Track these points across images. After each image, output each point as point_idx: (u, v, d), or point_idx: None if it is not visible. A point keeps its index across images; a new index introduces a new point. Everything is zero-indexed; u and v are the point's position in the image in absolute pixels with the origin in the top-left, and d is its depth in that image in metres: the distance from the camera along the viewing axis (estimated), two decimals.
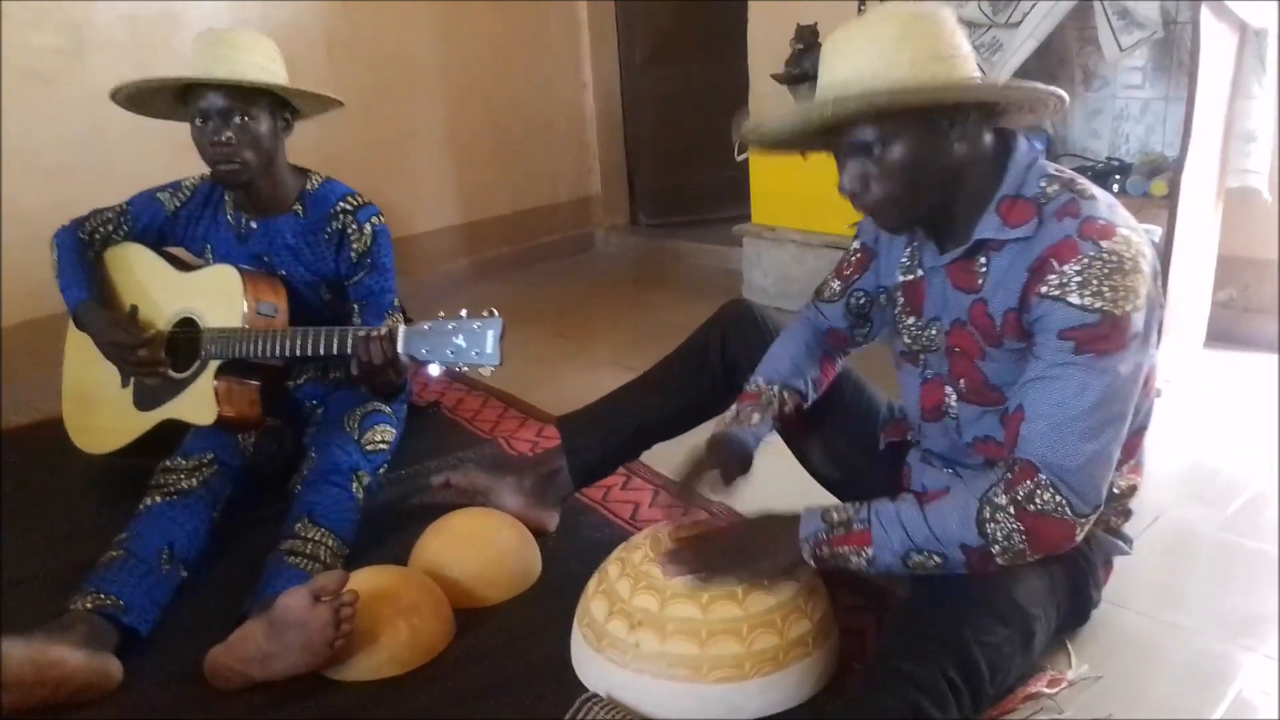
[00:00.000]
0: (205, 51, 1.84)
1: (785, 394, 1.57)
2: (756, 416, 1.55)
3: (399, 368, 1.73)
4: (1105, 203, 1.25)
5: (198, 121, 1.85)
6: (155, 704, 1.47)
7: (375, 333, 1.69)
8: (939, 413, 1.45)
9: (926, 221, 1.34)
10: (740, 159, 3.37)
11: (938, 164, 1.25)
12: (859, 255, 1.57)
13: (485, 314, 1.64)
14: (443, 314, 1.67)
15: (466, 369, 1.64)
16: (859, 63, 1.19)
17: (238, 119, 1.84)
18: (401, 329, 1.69)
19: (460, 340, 1.63)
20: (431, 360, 1.65)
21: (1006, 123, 1.31)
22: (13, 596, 1.75)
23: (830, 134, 1.26)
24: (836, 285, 1.60)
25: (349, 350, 1.75)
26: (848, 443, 1.66)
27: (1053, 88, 1.24)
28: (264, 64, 1.87)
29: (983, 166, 1.28)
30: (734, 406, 1.58)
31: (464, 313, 1.65)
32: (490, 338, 1.62)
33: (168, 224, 2.08)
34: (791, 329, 1.65)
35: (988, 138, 1.28)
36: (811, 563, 1.32)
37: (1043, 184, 1.27)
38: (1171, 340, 2.40)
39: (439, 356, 1.65)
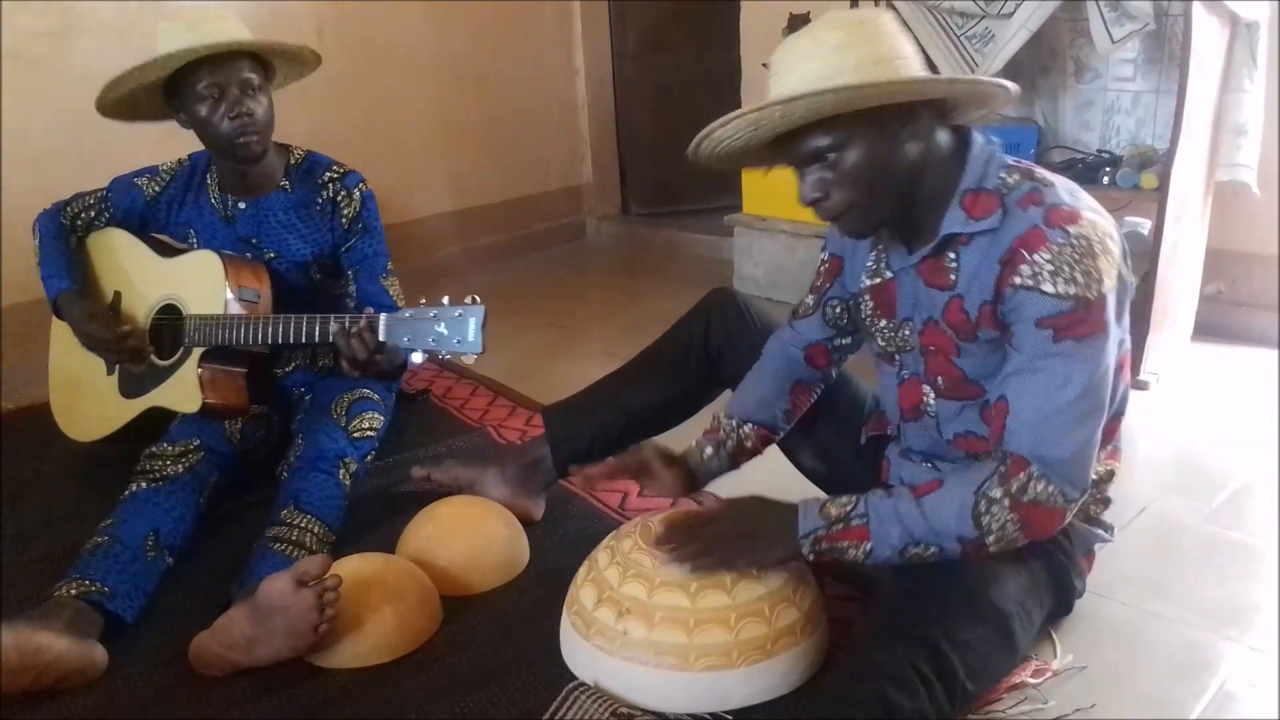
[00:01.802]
0: (194, 29, 1.81)
1: (747, 429, 1.58)
2: (710, 452, 1.58)
3: (386, 352, 1.72)
4: (1065, 189, 1.27)
5: (210, 97, 1.83)
6: (140, 690, 1.46)
7: (354, 324, 1.68)
8: (918, 412, 1.45)
9: (891, 223, 1.35)
10: None
11: (894, 165, 1.25)
12: (828, 265, 1.57)
13: (467, 301, 1.63)
14: (424, 301, 1.66)
15: (448, 356, 1.64)
16: (804, 72, 1.20)
17: (257, 90, 1.85)
18: (382, 317, 1.68)
19: (442, 328, 1.62)
20: (414, 348, 1.65)
21: (960, 118, 1.32)
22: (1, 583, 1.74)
23: (785, 146, 1.27)
24: (810, 300, 1.60)
25: (329, 339, 1.74)
26: (832, 436, 1.66)
27: (999, 80, 1.24)
28: (247, 33, 1.86)
29: (942, 164, 1.29)
30: (695, 439, 1.60)
31: (445, 299, 1.64)
32: (472, 325, 1.61)
33: (148, 210, 2.06)
34: (762, 361, 1.64)
35: (943, 135, 1.29)
36: (810, 557, 1.32)
37: (1003, 175, 1.28)
38: (1159, 333, 2.41)
39: (420, 344, 1.64)
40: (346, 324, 1.70)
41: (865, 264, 1.46)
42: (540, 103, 4.17)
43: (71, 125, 2.81)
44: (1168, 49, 2.60)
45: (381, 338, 1.67)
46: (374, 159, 3.49)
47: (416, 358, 1.65)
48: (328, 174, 2.00)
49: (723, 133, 1.27)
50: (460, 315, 1.61)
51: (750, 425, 1.58)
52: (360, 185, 2.02)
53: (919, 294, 1.37)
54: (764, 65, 3.35)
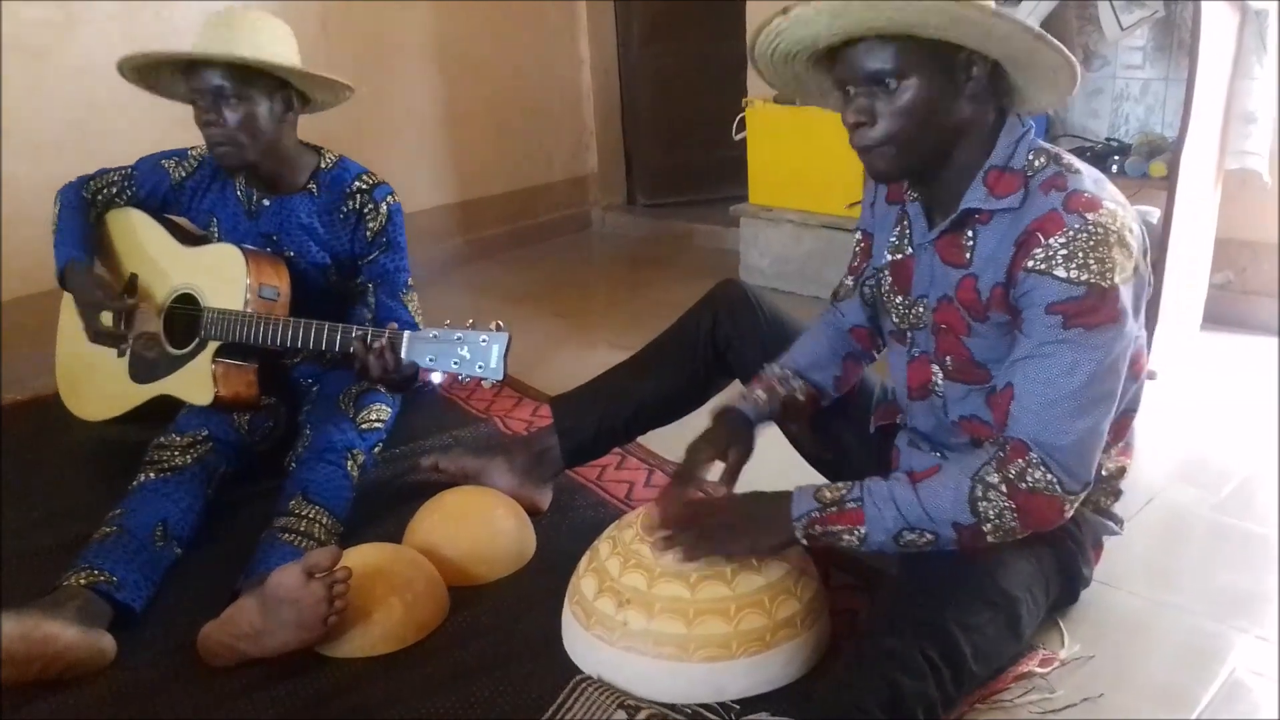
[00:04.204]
0: (208, 30, 1.82)
1: (799, 383, 1.56)
2: (763, 395, 1.55)
3: (404, 371, 1.73)
4: (1091, 177, 1.25)
5: (196, 101, 1.83)
6: (149, 680, 1.47)
7: (377, 340, 1.69)
8: (926, 391, 1.45)
9: (917, 178, 1.34)
10: (738, 138, 3.36)
11: (944, 115, 1.24)
12: (863, 244, 1.56)
13: (492, 327, 1.64)
14: (449, 322, 1.68)
15: (468, 380, 1.65)
16: None
17: (233, 100, 1.82)
18: (406, 335, 1.69)
19: (465, 352, 1.64)
20: (435, 369, 1.67)
21: (1021, 104, 1.30)
22: (7, 572, 1.74)
23: (847, 59, 1.22)
24: (850, 281, 1.60)
25: (350, 350, 1.75)
26: (839, 424, 1.65)
27: (1074, 60, 1.20)
28: (265, 44, 1.83)
29: (981, 135, 1.28)
30: (742, 390, 1.58)
31: (471, 322, 1.66)
32: (495, 352, 1.63)
33: (172, 194, 2.06)
34: (815, 327, 1.64)
35: (992, 110, 1.27)
36: (804, 541, 1.32)
37: (1030, 157, 1.27)
38: (1168, 322, 2.40)
39: (442, 365, 1.66)
40: (369, 337, 1.70)
41: (889, 239, 1.45)
42: (545, 93, 4.16)
43: (74, 116, 2.81)
44: (1177, 36, 2.58)
45: (404, 355, 1.68)
46: (378, 149, 3.50)
47: (436, 378, 1.68)
48: (356, 183, 1.98)
49: (794, 19, 1.21)
50: (485, 341, 1.63)
51: (802, 379, 1.56)
52: (389, 199, 2.00)
53: (935, 271, 1.36)
54: None
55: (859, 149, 1.28)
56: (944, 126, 1.25)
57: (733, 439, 1.51)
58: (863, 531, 1.27)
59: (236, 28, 1.82)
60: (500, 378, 1.63)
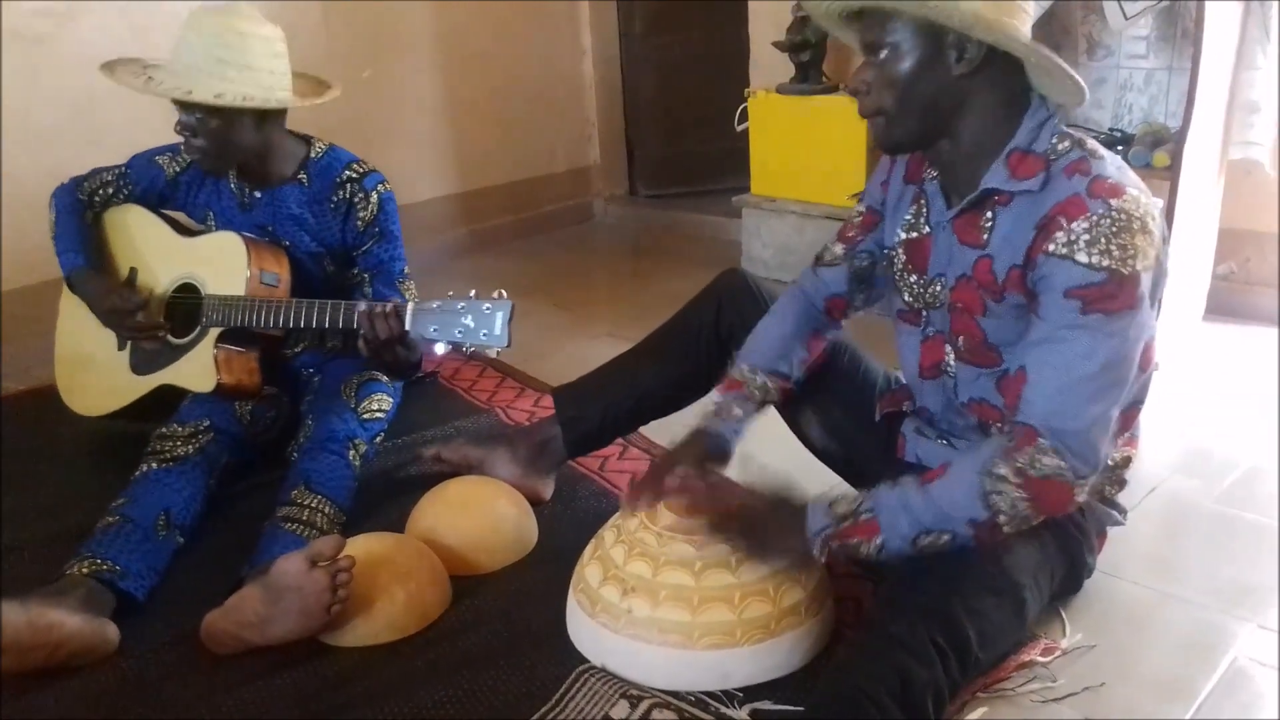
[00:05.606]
0: (188, 36, 1.79)
1: (770, 381, 1.56)
2: (738, 410, 1.55)
3: (408, 344, 1.72)
4: (1114, 163, 1.25)
5: (176, 105, 1.83)
6: (152, 668, 1.47)
7: (381, 309, 1.68)
8: (937, 371, 1.44)
9: (925, 152, 1.35)
10: (740, 129, 3.35)
11: (934, 87, 1.25)
12: (863, 218, 1.56)
13: (495, 295, 1.64)
14: (451, 293, 1.67)
15: (474, 349, 1.64)
16: None
17: (201, 114, 1.81)
18: (410, 306, 1.68)
19: (469, 321, 1.63)
20: (439, 339, 1.66)
21: (1034, 84, 1.29)
22: (10, 561, 1.75)
23: (861, 28, 1.29)
24: (839, 249, 1.59)
25: (353, 325, 1.74)
26: (843, 413, 1.65)
27: (1070, 71, 1.22)
28: (234, 59, 1.77)
29: (991, 113, 1.27)
30: (717, 396, 1.57)
31: (473, 293, 1.65)
32: (499, 320, 1.62)
33: (168, 189, 2.06)
34: (782, 305, 1.62)
35: (1004, 89, 1.26)
36: (821, 558, 1.31)
37: (1054, 140, 1.26)
38: (1170, 313, 2.40)
39: (446, 335, 1.65)
40: (373, 307, 1.70)
41: (904, 217, 1.45)
42: (547, 83, 4.15)
43: (74, 105, 2.81)
44: (1181, 25, 2.58)
45: (407, 326, 1.68)
46: (379, 139, 3.49)
47: (440, 349, 1.67)
48: (346, 173, 1.97)
49: None
50: (488, 310, 1.63)
51: (772, 376, 1.56)
52: (380, 187, 1.98)
53: (953, 250, 1.36)
54: (774, 45, 3.31)
55: (862, 115, 1.32)
56: (934, 102, 1.26)
57: (707, 459, 1.51)
58: (880, 541, 1.26)
59: (195, 46, 1.78)
60: (505, 345, 1.62)
